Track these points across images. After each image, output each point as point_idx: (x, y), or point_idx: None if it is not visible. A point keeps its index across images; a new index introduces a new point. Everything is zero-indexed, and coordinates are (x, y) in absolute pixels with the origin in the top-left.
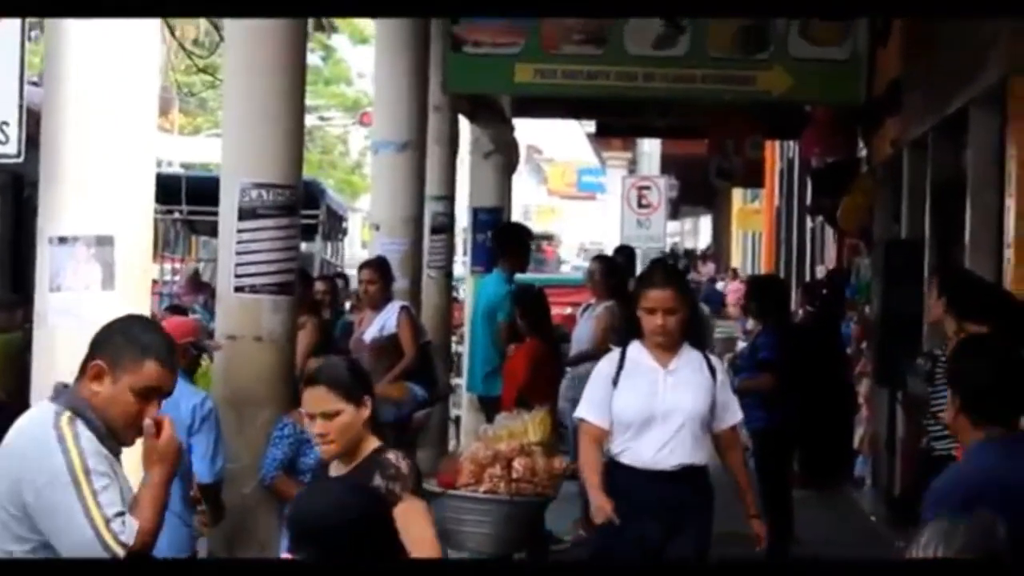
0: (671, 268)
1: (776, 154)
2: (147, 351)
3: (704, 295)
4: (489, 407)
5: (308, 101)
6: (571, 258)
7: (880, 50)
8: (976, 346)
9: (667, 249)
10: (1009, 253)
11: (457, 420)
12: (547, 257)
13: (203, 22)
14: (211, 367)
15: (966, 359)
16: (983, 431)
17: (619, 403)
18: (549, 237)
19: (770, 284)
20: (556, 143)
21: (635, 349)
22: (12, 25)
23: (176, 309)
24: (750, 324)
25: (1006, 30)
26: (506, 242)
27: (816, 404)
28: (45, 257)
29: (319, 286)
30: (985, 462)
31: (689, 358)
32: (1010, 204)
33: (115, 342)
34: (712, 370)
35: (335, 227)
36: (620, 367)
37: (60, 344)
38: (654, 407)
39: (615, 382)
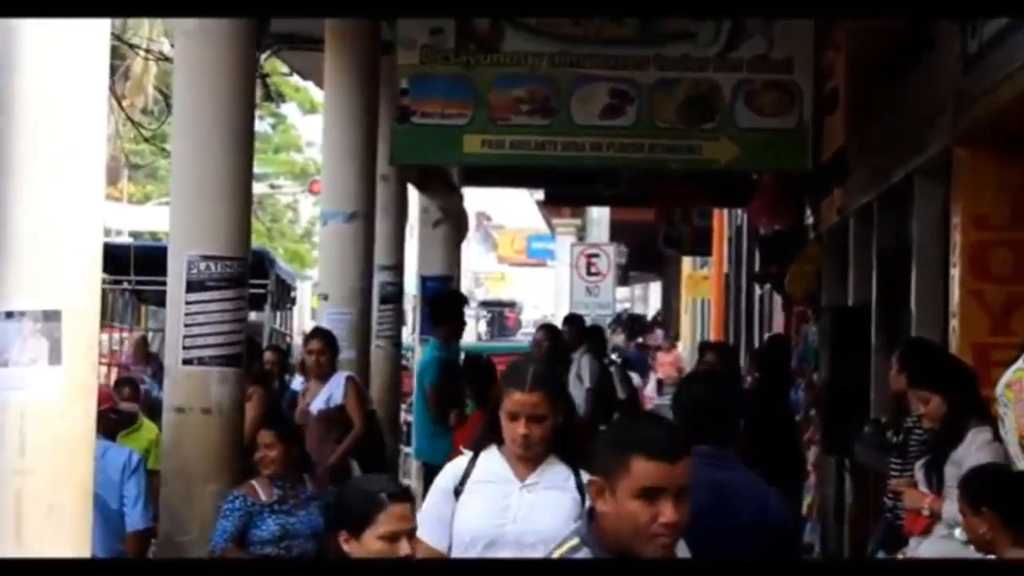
0: (541, 368)
1: (725, 221)
2: (632, 447)
3: (633, 359)
4: (429, 474)
5: (257, 169)
6: (532, 325)
7: (827, 118)
8: (694, 377)
9: (618, 315)
10: (955, 322)
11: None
12: (509, 324)
13: (151, 90)
14: (149, 432)
15: (683, 388)
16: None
17: (460, 519)
18: (511, 304)
19: (725, 351)
20: (506, 210)
21: (490, 456)
22: None
23: (127, 382)
24: None
25: (950, 101)
26: (438, 311)
27: (765, 471)
28: None
29: (268, 356)
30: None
31: (554, 473)
32: (954, 273)
33: (598, 450)
34: (581, 488)
35: (284, 296)
36: (466, 476)
37: (7, 419)
38: (503, 527)
39: (457, 493)
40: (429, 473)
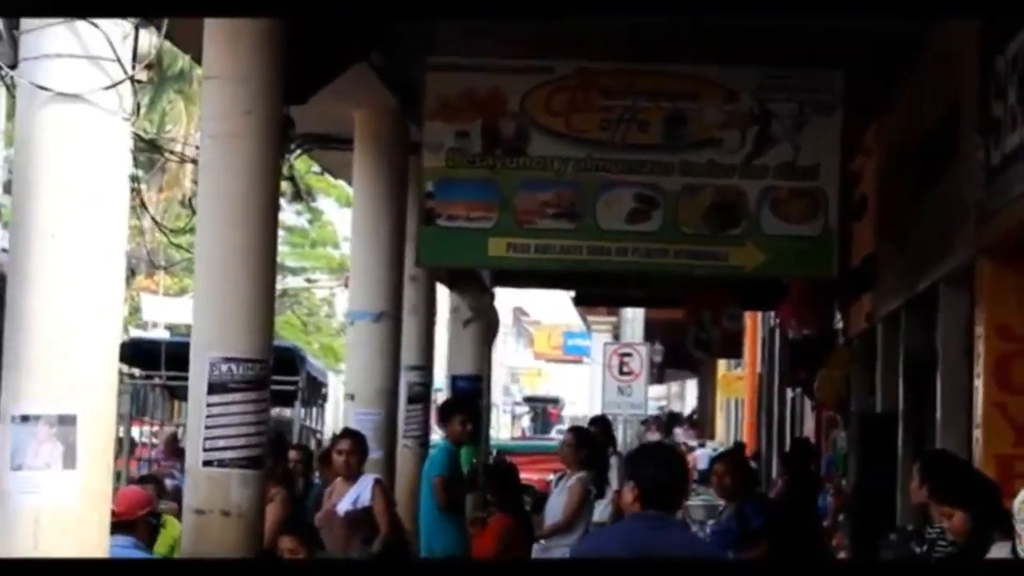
0: None
1: (759, 322)
2: None
3: None
4: None
5: (294, 263)
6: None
7: (856, 224)
8: (653, 451)
9: (648, 415)
10: (978, 433)
11: None
12: (552, 420)
13: (189, 184)
14: (174, 530)
15: (644, 460)
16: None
17: None
18: (555, 400)
19: (735, 464)
20: (542, 306)
21: None
22: None
23: (151, 479)
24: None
25: (973, 211)
26: (444, 415)
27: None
28: (7, 435)
29: (292, 455)
30: (635, 532)
31: None
32: (978, 384)
33: None
34: None
35: (315, 393)
36: None
37: (21, 523)
38: None
39: None
40: None
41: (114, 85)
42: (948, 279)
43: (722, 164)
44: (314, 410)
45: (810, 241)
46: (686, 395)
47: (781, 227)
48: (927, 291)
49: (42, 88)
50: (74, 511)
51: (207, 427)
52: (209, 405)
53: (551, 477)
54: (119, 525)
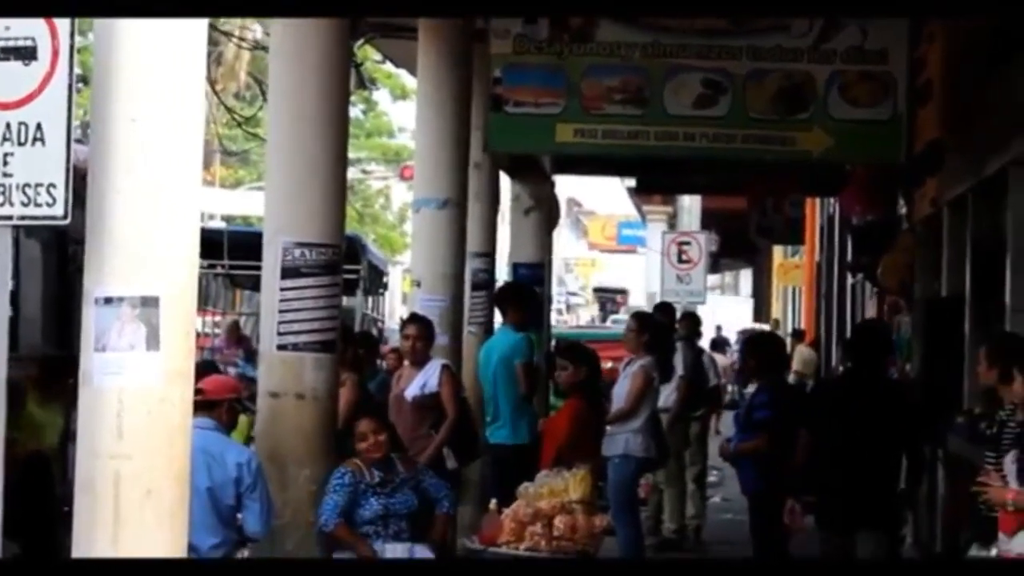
0: None
1: (817, 210)
2: None
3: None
4: (509, 456)
5: (349, 154)
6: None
7: (921, 109)
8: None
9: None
10: None
11: None
12: (619, 309)
13: (244, 76)
14: (247, 423)
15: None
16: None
17: None
18: (622, 291)
19: (766, 341)
20: (597, 197)
21: None
22: (60, 85)
23: (207, 365)
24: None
25: None
26: (506, 300)
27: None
28: (90, 317)
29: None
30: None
31: None
32: None
33: None
34: None
35: (376, 282)
36: None
37: (105, 404)
38: None
39: None
40: (495, 456)
41: None
42: (1018, 162)
43: (790, 48)
44: (375, 299)
45: (879, 125)
46: (740, 284)
47: (849, 111)
48: (996, 175)
49: None
50: (157, 392)
51: (280, 311)
52: (282, 290)
53: (609, 365)
54: (202, 404)
